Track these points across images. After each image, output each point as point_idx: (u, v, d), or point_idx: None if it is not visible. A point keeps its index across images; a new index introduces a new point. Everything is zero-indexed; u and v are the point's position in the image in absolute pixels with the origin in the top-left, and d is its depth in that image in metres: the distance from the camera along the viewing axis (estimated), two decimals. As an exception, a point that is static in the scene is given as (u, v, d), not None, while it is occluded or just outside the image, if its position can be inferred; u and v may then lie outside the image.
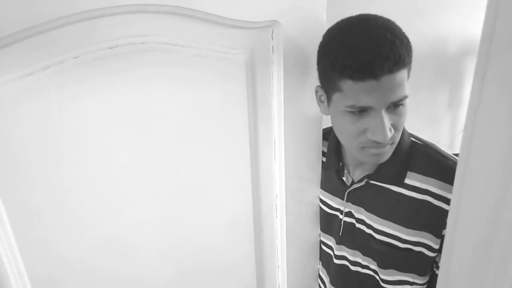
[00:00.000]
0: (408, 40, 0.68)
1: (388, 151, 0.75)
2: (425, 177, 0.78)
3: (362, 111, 0.70)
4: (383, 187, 0.81)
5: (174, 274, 0.85)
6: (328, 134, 0.89)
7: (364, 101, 0.68)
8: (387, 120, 0.69)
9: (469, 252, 0.43)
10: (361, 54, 0.65)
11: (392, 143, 0.74)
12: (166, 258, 0.83)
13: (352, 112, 0.70)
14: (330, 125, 0.81)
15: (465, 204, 0.42)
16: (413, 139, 0.82)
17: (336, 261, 0.92)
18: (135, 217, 0.76)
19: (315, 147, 0.89)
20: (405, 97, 0.69)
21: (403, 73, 0.67)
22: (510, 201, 0.35)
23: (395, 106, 0.70)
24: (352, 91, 0.68)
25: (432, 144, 0.82)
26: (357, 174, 0.85)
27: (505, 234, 0.35)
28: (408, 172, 0.79)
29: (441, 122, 2.28)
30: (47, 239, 0.68)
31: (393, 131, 0.71)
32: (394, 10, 1.95)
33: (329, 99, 0.75)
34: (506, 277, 0.36)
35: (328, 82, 0.73)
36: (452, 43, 2.14)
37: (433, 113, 2.24)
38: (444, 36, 2.11)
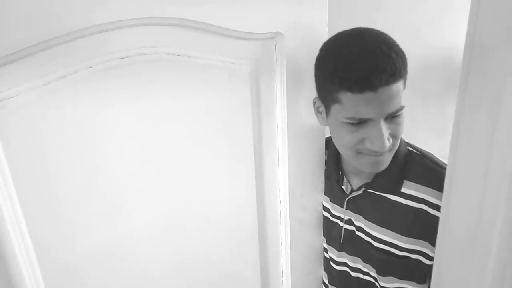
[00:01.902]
0: (403, 52, 0.70)
1: (386, 160, 0.77)
2: (421, 186, 0.80)
3: (361, 122, 0.72)
4: (380, 195, 0.83)
5: (179, 278, 0.87)
6: (328, 143, 0.92)
7: (363, 113, 0.70)
8: (385, 130, 0.71)
9: (458, 256, 0.45)
10: (359, 67, 0.68)
11: (390, 150, 0.76)
12: (170, 263, 0.85)
13: (351, 123, 0.72)
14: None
15: (452, 210, 0.44)
16: (409, 148, 0.84)
17: (337, 267, 0.94)
18: (142, 222, 0.79)
19: (318, 154, 0.91)
20: (402, 107, 0.71)
21: (399, 85, 0.69)
22: (490, 204, 0.37)
23: (392, 116, 0.72)
24: (351, 103, 0.70)
25: (428, 153, 0.83)
26: (356, 183, 0.87)
27: (486, 236, 0.37)
28: (405, 181, 0.81)
29: (450, 134, 2.28)
30: (60, 238, 0.71)
31: (391, 140, 0.73)
32: (401, 21, 1.97)
33: (327, 110, 0.77)
34: (488, 276, 0.38)
35: (327, 94, 0.75)
36: (460, 54, 2.15)
37: (441, 124, 2.24)
38: (452, 46, 2.12)
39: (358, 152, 0.75)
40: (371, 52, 0.68)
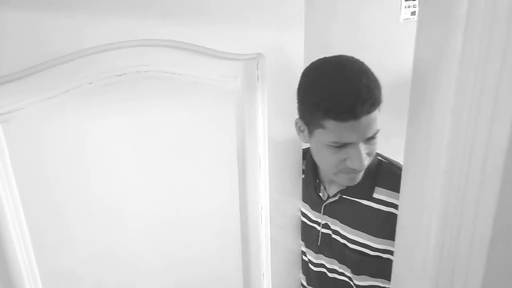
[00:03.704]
0: (378, 81, 0.79)
1: (361, 175, 0.87)
2: (390, 192, 0.88)
3: (343, 145, 0.80)
4: (354, 201, 0.92)
5: (167, 279, 0.93)
6: (305, 154, 1.00)
7: (346, 138, 0.79)
8: (363, 151, 0.80)
9: (409, 249, 0.53)
10: (344, 99, 0.76)
11: (366, 167, 0.85)
12: (159, 265, 0.91)
13: (334, 146, 0.81)
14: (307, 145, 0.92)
15: (405, 208, 0.53)
16: (379, 157, 0.93)
17: (315, 268, 1.02)
18: (135, 226, 0.85)
19: (296, 164, 1.00)
20: (378, 130, 0.81)
21: (377, 111, 0.79)
22: (430, 199, 0.45)
23: (369, 138, 0.81)
24: (335, 130, 0.78)
25: (396, 162, 0.93)
26: (332, 190, 0.96)
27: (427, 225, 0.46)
28: (376, 188, 0.90)
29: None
30: (59, 242, 0.77)
31: (368, 158, 0.82)
32: (377, 39, 2.09)
33: (310, 132, 0.85)
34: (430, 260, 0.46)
35: (311, 120, 0.83)
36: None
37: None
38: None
39: (339, 170, 0.84)
40: (354, 84, 0.76)
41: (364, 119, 0.76)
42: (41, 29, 0.64)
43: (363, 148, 0.80)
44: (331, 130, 0.79)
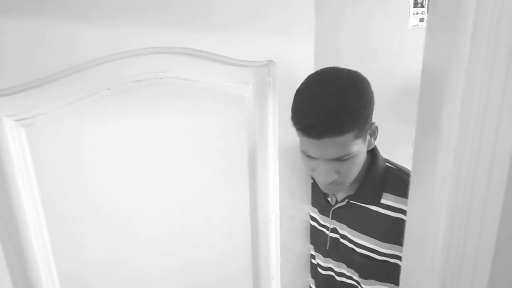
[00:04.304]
0: (361, 104, 0.76)
1: (334, 190, 0.87)
2: (398, 197, 0.89)
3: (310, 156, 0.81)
4: (362, 206, 0.93)
5: (177, 280, 0.95)
6: None
7: (310, 152, 0.80)
8: (329, 168, 0.80)
9: (417, 252, 0.55)
10: (302, 120, 0.77)
11: (340, 183, 0.84)
12: (170, 266, 0.93)
13: (305, 154, 0.82)
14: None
15: (413, 211, 0.55)
16: (387, 163, 0.94)
17: (323, 272, 1.03)
18: (147, 228, 0.88)
19: (305, 170, 1.01)
20: (349, 154, 0.78)
21: (347, 137, 0.75)
22: (440, 205, 0.47)
23: (340, 158, 0.78)
24: (302, 141, 0.81)
25: (404, 167, 0.94)
26: (340, 195, 0.97)
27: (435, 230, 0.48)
28: (384, 193, 0.91)
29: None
30: (75, 242, 0.79)
31: (336, 176, 0.81)
32: (385, 46, 2.09)
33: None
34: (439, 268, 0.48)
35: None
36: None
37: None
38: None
39: (314, 177, 0.87)
40: (317, 105, 0.75)
41: (327, 140, 0.75)
42: (63, 37, 0.67)
43: (328, 165, 0.80)
44: (300, 140, 0.81)
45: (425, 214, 0.50)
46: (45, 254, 0.76)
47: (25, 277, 0.75)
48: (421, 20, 2.23)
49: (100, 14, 0.70)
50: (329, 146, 0.76)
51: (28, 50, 0.65)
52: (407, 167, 0.96)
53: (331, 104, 0.75)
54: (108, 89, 0.73)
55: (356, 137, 0.77)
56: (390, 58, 2.13)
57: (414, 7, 2.21)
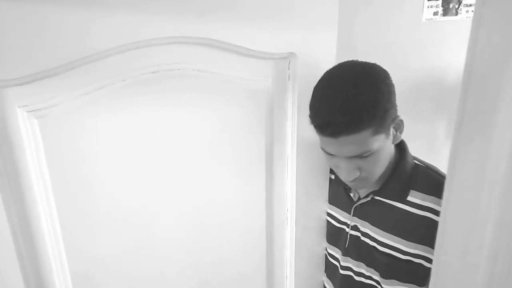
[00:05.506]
0: (377, 98, 0.73)
1: (360, 186, 0.85)
2: (426, 195, 0.86)
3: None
4: (387, 203, 0.90)
5: (191, 277, 0.93)
6: None
7: (329, 150, 0.78)
8: (350, 165, 0.78)
9: (454, 256, 0.51)
10: (318, 118, 0.75)
11: (365, 179, 0.82)
12: (184, 263, 0.91)
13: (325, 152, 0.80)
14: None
15: (451, 216, 0.51)
16: (416, 161, 0.91)
17: (341, 271, 1.00)
18: (162, 225, 0.85)
19: (323, 167, 0.98)
20: (369, 151, 0.75)
21: (364, 133, 0.73)
22: (483, 209, 0.44)
23: (361, 156, 0.77)
24: (320, 139, 0.79)
25: (432, 166, 0.91)
26: (363, 191, 0.93)
27: (479, 237, 0.44)
28: (411, 191, 0.87)
29: (438, 150, 2.37)
30: (88, 237, 0.77)
31: (358, 173, 0.79)
32: (397, 39, 2.06)
33: None
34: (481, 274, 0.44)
35: None
36: (450, 75, 2.26)
37: (431, 144, 2.34)
38: (442, 69, 2.23)
39: (337, 174, 0.84)
40: (331, 103, 0.73)
41: (343, 139, 0.73)
42: (77, 25, 0.64)
43: (349, 162, 0.78)
44: (319, 137, 0.79)
45: (468, 223, 0.46)
46: (57, 249, 0.74)
47: (37, 274, 0.73)
48: (435, 13, 2.18)
49: (118, 2, 0.66)
50: (347, 144, 0.74)
51: (41, 38, 0.62)
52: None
53: (345, 101, 0.72)
54: (124, 80, 0.70)
55: (375, 132, 0.74)
56: (404, 52, 2.09)
57: (428, 1, 2.16)
